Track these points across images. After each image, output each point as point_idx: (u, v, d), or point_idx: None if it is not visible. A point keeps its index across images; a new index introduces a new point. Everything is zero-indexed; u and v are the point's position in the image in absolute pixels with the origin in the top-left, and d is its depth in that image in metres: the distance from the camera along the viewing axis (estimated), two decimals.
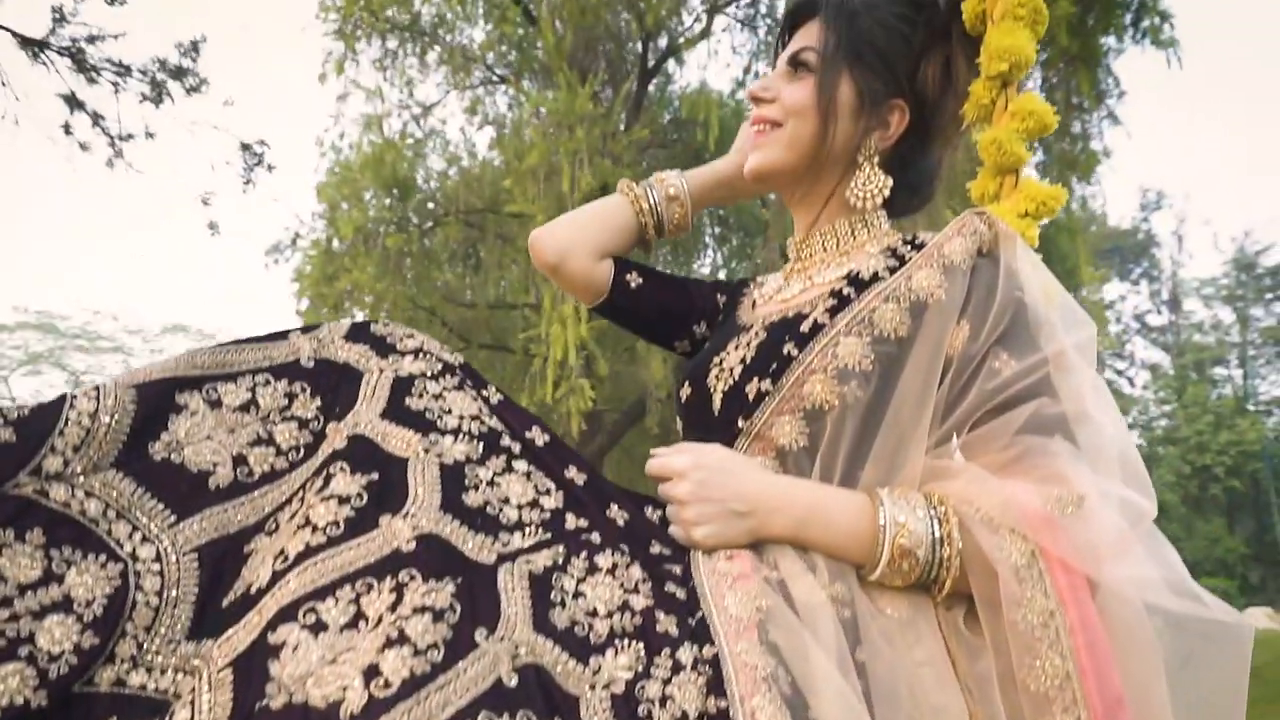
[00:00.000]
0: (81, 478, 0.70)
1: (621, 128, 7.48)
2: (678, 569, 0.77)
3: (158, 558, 0.69)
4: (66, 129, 4.83)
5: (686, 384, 1.01)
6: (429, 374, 0.82)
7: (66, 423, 0.70)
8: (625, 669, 0.66)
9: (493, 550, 0.70)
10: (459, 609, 0.64)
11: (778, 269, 1.13)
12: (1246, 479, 22.15)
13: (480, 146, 8.72)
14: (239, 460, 0.75)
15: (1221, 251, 33.48)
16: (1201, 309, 27.52)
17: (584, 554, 0.73)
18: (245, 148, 5.57)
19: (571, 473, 0.82)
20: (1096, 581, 0.73)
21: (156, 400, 0.75)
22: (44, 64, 4.42)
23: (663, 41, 7.98)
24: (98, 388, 0.73)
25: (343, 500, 0.70)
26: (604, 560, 0.73)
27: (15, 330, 22.70)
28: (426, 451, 0.75)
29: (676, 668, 0.67)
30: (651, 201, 1.13)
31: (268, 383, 0.79)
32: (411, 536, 0.68)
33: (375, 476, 0.72)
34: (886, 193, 0.99)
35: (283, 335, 0.83)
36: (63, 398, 0.72)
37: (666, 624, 0.70)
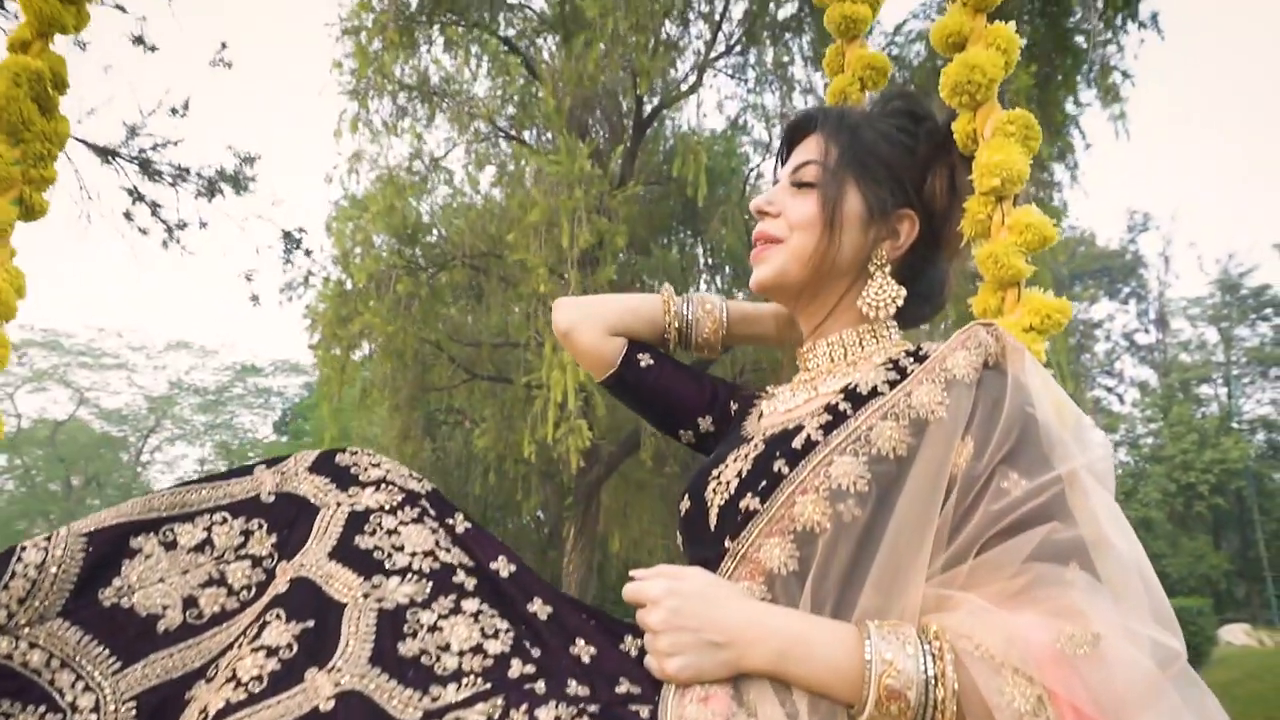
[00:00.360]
0: (26, 629, 0.71)
1: (617, 170, 7.91)
2: (645, 711, 0.72)
3: (96, 707, 0.70)
4: (128, 216, 5.38)
5: (685, 497, 0.96)
6: (387, 507, 0.81)
7: (13, 575, 0.72)
8: None
9: (419, 706, 0.68)
10: None
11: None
12: (1230, 496, 22.48)
13: (483, 184, 9.15)
14: (189, 602, 0.75)
15: (1207, 273, 34.02)
16: (1188, 328, 28.05)
17: (524, 706, 0.68)
18: (286, 235, 6.10)
19: (535, 606, 0.79)
20: None
21: (109, 546, 0.76)
22: (115, 169, 4.95)
23: (657, 85, 8.40)
24: (49, 537, 0.75)
25: (271, 652, 0.69)
26: (545, 714, 0.68)
27: (21, 347, 23.08)
28: (366, 596, 0.74)
29: None
30: (683, 310, 1.12)
31: (224, 521, 0.79)
32: (332, 694, 0.67)
33: (310, 624, 0.71)
34: (900, 302, 0.96)
35: (248, 470, 0.83)
36: (11, 550, 0.74)
37: None
